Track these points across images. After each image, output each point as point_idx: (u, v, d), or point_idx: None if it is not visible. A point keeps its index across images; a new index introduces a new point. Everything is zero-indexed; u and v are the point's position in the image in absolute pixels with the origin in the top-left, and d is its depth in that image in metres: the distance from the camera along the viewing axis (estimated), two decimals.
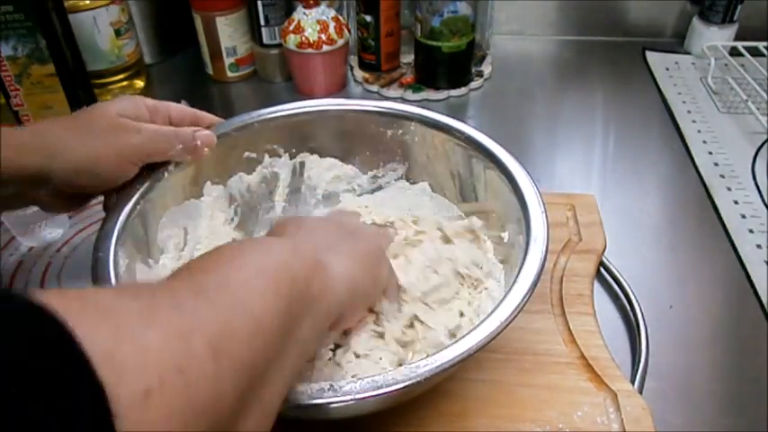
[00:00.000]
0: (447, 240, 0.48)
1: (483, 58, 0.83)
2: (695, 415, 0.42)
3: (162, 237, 0.45)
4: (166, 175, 0.45)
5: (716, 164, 0.65)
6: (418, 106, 0.51)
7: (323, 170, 0.54)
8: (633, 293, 0.49)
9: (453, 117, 0.49)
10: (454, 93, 0.78)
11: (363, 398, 0.30)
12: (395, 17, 0.77)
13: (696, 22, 0.84)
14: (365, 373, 0.37)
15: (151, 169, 0.44)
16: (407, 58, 0.82)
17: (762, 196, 0.60)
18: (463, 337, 0.33)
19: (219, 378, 0.21)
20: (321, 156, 0.53)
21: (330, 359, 0.38)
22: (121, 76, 0.78)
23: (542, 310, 0.46)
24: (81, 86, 0.66)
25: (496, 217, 0.47)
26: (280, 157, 0.52)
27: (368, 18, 0.76)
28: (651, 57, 0.85)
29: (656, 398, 0.42)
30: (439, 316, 0.42)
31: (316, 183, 0.54)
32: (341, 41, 0.74)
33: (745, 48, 0.78)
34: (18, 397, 0.16)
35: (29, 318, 0.17)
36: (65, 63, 0.62)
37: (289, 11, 0.76)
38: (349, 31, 0.77)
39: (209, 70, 0.82)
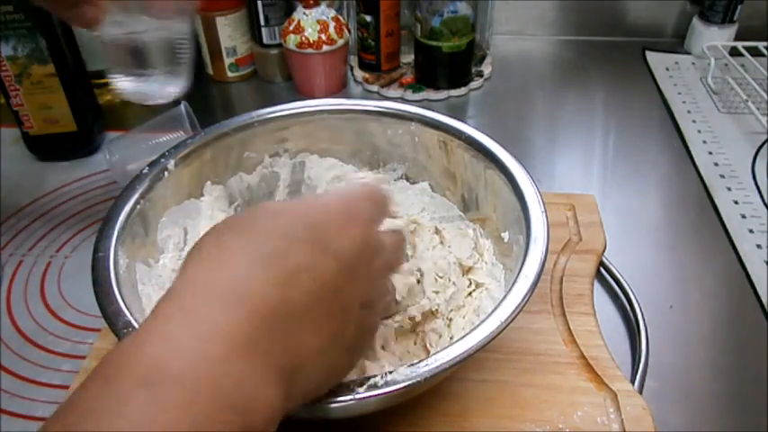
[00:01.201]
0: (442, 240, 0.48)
1: (483, 58, 0.83)
2: (695, 415, 0.42)
3: (162, 237, 0.45)
4: (166, 174, 0.45)
5: (716, 164, 0.65)
6: (418, 106, 0.51)
7: (323, 170, 0.54)
8: (633, 293, 0.49)
9: (453, 117, 0.49)
10: (454, 93, 0.78)
11: (363, 398, 0.30)
12: (395, 17, 0.77)
13: (696, 22, 0.84)
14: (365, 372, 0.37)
15: (152, 168, 0.44)
16: (407, 58, 0.82)
17: (762, 196, 0.60)
18: (463, 337, 0.33)
19: None
20: (321, 156, 0.53)
21: None
22: None
23: (542, 310, 0.46)
24: (81, 86, 0.66)
25: (496, 217, 0.47)
26: (280, 157, 0.52)
27: (368, 18, 0.76)
28: (651, 57, 0.85)
29: (656, 398, 0.42)
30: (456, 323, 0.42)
31: (316, 183, 0.54)
32: (341, 41, 0.74)
33: (745, 48, 0.78)
34: None
35: None
36: (65, 63, 0.62)
37: (289, 11, 0.76)
38: (349, 31, 0.77)
39: (209, 70, 0.82)
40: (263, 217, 0.28)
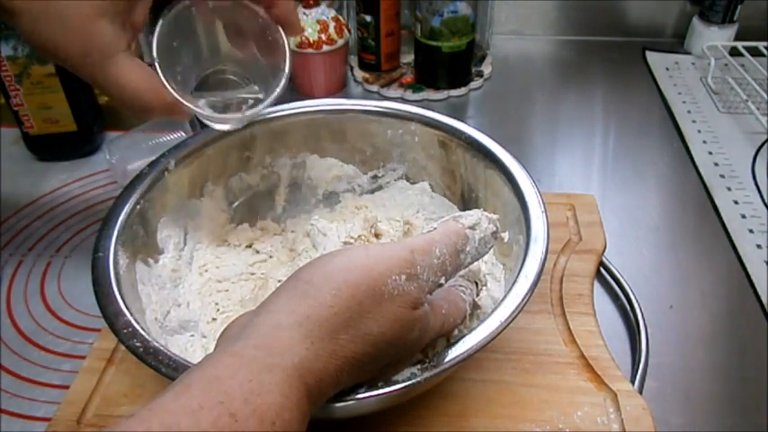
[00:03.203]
0: None
1: (483, 58, 0.83)
2: (695, 415, 0.42)
3: (162, 237, 0.45)
4: (166, 174, 0.45)
5: (716, 164, 0.65)
6: (418, 106, 0.51)
7: (323, 170, 0.54)
8: (633, 293, 0.49)
9: (453, 117, 0.49)
10: (454, 93, 0.78)
11: (363, 398, 0.30)
12: (395, 17, 0.77)
13: (696, 22, 0.84)
14: None
15: (152, 168, 0.44)
16: (407, 58, 0.82)
17: (762, 196, 0.60)
18: (463, 337, 0.33)
19: None
20: (321, 156, 0.53)
21: None
22: None
23: (542, 310, 0.46)
24: (81, 86, 0.66)
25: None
26: (280, 156, 0.52)
27: (368, 18, 0.76)
28: (651, 57, 0.85)
29: (656, 398, 0.42)
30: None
31: (316, 183, 0.54)
32: (341, 41, 0.74)
33: (745, 48, 0.78)
34: None
35: None
36: None
37: None
38: (349, 31, 0.77)
39: None
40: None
